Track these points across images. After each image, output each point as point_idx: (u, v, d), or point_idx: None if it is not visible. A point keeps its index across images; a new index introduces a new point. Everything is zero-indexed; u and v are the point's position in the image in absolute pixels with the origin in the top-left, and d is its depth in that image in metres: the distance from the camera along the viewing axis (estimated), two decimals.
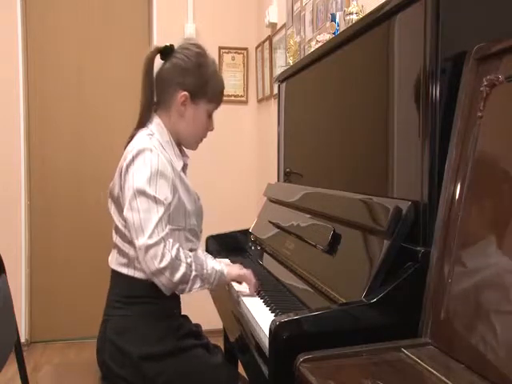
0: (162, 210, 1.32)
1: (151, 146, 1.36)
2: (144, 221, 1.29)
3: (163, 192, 1.33)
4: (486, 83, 0.97)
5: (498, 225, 0.89)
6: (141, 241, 1.29)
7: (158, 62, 1.48)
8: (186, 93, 1.43)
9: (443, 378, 0.82)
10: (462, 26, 1.09)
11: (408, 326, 1.00)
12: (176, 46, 1.47)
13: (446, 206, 1.00)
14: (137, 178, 1.32)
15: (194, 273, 1.35)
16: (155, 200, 1.31)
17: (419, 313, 1.00)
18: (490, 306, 0.85)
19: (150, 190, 1.31)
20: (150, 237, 1.28)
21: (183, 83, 1.43)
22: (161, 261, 1.29)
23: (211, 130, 1.54)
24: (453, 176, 1.00)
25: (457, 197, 0.99)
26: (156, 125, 1.45)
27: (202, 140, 1.55)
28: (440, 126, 1.08)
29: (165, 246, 1.30)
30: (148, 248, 1.28)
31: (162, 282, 1.32)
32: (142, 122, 1.46)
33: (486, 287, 0.87)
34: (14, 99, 3.18)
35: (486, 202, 0.93)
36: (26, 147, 3.26)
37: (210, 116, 1.51)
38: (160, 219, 1.31)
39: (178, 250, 1.33)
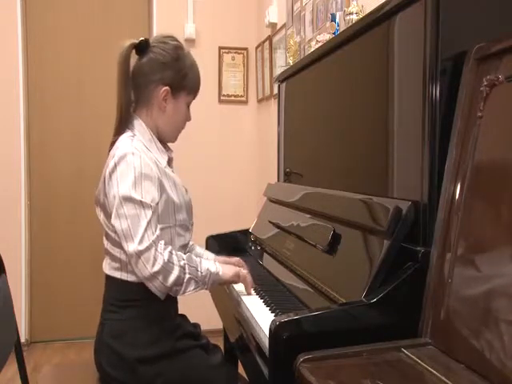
0: (149, 213, 1.30)
1: (133, 149, 1.34)
2: (133, 227, 1.28)
3: (149, 194, 1.32)
4: (485, 83, 0.97)
5: (498, 224, 0.89)
6: (131, 247, 1.28)
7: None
8: (167, 87, 1.42)
9: (443, 377, 0.82)
10: (462, 26, 1.09)
11: (408, 326, 1.00)
12: (151, 40, 1.44)
13: (446, 206, 1.00)
14: (121, 184, 1.31)
15: (187, 276, 1.34)
16: (142, 204, 1.30)
17: (419, 313, 1.00)
18: (491, 306, 0.84)
19: (136, 195, 1.29)
20: (141, 242, 1.27)
21: (163, 78, 1.41)
22: (153, 265, 1.27)
23: (189, 120, 1.53)
24: (453, 176, 1.00)
25: (457, 197, 0.99)
26: (137, 125, 1.43)
27: (180, 132, 1.54)
28: (440, 126, 1.08)
29: (156, 249, 1.29)
30: (139, 254, 1.27)
31: (155, 286, 1.31)
32: (122, 127, 1.42)
33: (486, 287, 0.87)
34: (14, 99, 3.18)
35: (486, 202, 0.93)
36: (26, 147, 3.26)
37: (188, 107, 1.50)
38: (149, 223, 1.29)
39: (170, 252, 1.32)
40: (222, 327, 1.98)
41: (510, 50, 0.94)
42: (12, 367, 1.59)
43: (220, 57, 3.46)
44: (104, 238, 1.44)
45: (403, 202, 1.13)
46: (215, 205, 3.36)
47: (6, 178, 3.17)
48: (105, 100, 3.35)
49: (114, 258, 1.40)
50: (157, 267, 1.28)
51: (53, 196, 3.33)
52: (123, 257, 1.37)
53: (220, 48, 3.45)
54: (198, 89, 1.51)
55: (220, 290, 1.75)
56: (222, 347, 1.62)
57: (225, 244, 2.12)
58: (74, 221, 3.36)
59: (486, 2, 1.11)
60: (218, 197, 3.42)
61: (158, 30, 3.34)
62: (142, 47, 1.42)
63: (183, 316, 1.52)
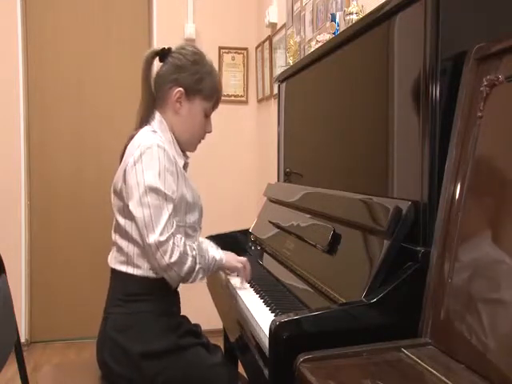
0: (171, 206, 1.36)
1: (158, 141, 1.38)
2: (155, 217, 1.33)
3: (171, 187, 1.37)
4: (485, 83, 0.97)
5: (498, 224, 0.89)
6: (152, 238, 1.32)
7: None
8: (180, 89, 1.45)
9: (443, 378, 0.82)
10: (462, 26, 1.09)
11: (408, 326, 1.00)
12: (173, 48, 1.49)
13: (446, 206, 1.00)
14: (147, 173, 1.34)
15: (198, 266, 1.40)
16: (165, 197, 1.35)
17: (419, 313, 1.00)
18: (490, 306, 0.85)
19: (161, 187, 1.34)
20: (161, 234, 1.32)
21: (178, 79, 1.45)
22: (170, 256, 1.33)
23: (209, 131, 1.55)
24: (453, 176, 1.00)
25: (457, 197, 0.99)
26: (158, 122, 1.46)
27: (199, 141, 1.55)
28: (440, 126, 1.08)
29: (174, 241, 1.34)
30: (159, 245, 1.32)
31: (170, 276, 1.38)
32: (142, 124, 1.46)
33: (486, 287, 0.87)
34: (14, 99, 3.18)
35: (485, 202, 0.93)
36: (26, 147, 3.26)
37: (207, 116, 1.51)
38: (170, 216, 1.35)
39: (184, 244, 1.37)
40: (222, 327, 1.98)
41: (510, 50, 0.94)
42: (12, 367, 1.59)
43: (220, 57, 3.46)
44: (113, 230, 1.47)
45: (403, 201, 1.13)
46: (215, 205, 3.36)
47: (6, 178, 3.17)
48: (105, 100, 3.36)
49: (121, 251, 1.42)
50: (174, 258, 1.33)
51: (53, 196, 3.33)
52: (130, 249, 1.40)
53: (220, 48, 3.45)
54: (217, 98, 1.52)
55: (220, 289, 1.75)
56: (221, 347, 1.62)
57: (225, 244, 2.11)
58: (73, 221, 3.36)
59: (485, 2, 1.11)
60: (218, 197, 3.42)
61: (158, 30, 3.34)
62: (163, 54, 1.48)
63: (184, 317, 1.53)
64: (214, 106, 1.52)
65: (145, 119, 1.47)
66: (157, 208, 1.33)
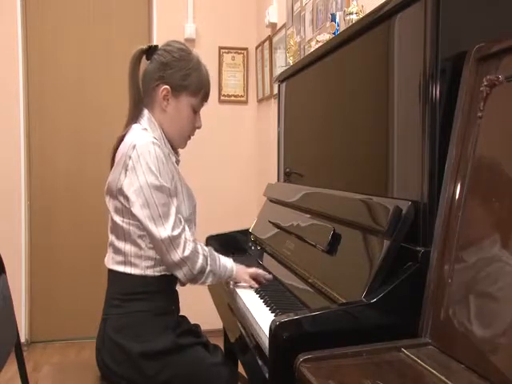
0: (175, 200, 1.38)
1: (152, 139, 1.38)
2: (164, 215, 1.34)
3: (169, 182, 1.37)
4: (486, 83, 0.97)
5: (498, 224, 0.89)
6: (164, 234, 1.33)
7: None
8: (167, 86, 1.44)
9: (443, 377, 0.82)
10: (462, 26, 1.09)
11: (408, 326, 1.00)
12: (160, 46, 1.49)
13: (446, 206, 1.00)
14: (148, 173, 1.34)
15: (208, 267, 1.42)
16: (169, 192, 1.37)
17: (419, 313, 1.00)
18: (490, 306, 0.85)
19: (163, 183, 1.35)
20: (173, 229, 1.34)
21: (163, 77, 1.45)
22: (183, 251, 1.36)
23: (198, 127, 1.54)
24: (453, 176, 1.00)
25: (457, 197, 0.99)
26: (147, 120, 1.46)
27: (189, 137, 1.55)
28: (440, 126, 1.08)
29: (185, 236, 1.37)
30: (173, 239, 1.34)
31: (183, 271, 1.39)
32: (131, 120, 1.46)
33: (486, 287, 0.87)
34: (14, 99, 3.18)
35: (486, 202, 0.93)
36: (26, 147, 3.26)
37: (195, 112, 1.51)
38: (176, 210, 1.37)
39: (194, 241, 1.40)
40: (222, 327, 1.98)
41: (510, 49, 0.94)
42: (12, 367, 1.59)
43: (220, 57, 3.46)
44: (109, 231, 1.46)
45: (403, 201, 1.13)
46: (215, 205, 3.36)
47: (6, 179, 3.17)
48: (105, 100, 3.36)
49: (117, 252, 1.42)
50: (186, 252, 1.36)
51: (53, 196, 3.33)
52: (127, 249, 1.39)
53: (220, 48, 3.45)
54: (205, 93, 1.51)
55: (220, 289, 1.75)
56: (221, 347, 1.62)
57: (225, 244, 2.12)
58: (73, 221, 3.36)
59: (485, 2, 1.11)
60: (218, 197, 3.42)
61: (158, 30, 3.34)
62: (150, 52, 1.48)
63: (183, 317, 1.53)
64: (203, 101, 1.51)
65: (133, 117, 1.46)
66: (164, 205, 1.35)
